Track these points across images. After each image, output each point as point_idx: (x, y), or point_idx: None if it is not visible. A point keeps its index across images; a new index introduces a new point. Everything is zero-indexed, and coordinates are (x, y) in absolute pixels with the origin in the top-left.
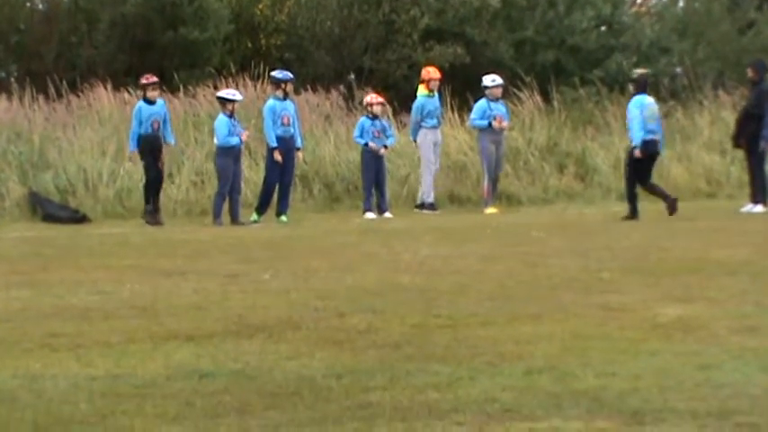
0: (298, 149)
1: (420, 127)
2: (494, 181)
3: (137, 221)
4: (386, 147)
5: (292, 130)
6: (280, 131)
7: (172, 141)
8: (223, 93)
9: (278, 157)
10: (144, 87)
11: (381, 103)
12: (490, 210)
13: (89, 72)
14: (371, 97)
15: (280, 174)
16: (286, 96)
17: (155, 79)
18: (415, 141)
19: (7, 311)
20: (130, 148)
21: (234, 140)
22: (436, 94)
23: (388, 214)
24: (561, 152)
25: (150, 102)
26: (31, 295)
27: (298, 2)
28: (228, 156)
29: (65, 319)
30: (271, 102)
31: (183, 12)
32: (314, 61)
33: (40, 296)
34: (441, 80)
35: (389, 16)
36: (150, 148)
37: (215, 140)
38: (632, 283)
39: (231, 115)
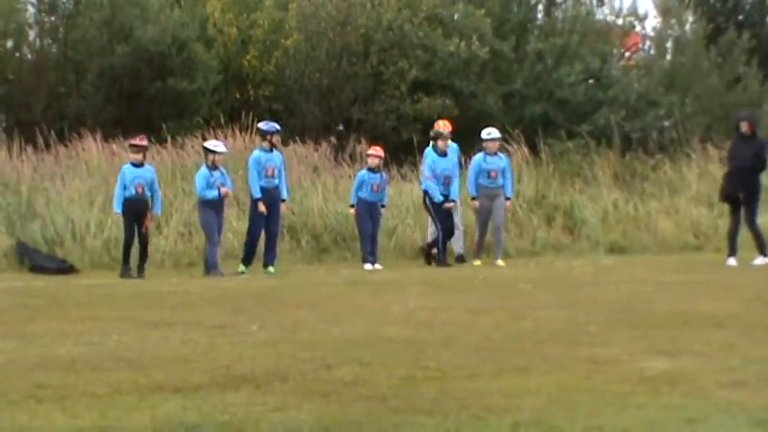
0: (283, 200)
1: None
2: (484, 234)
3: None
4: (383, 206)
5: (277, 182)
6: (264, 182)
7: (158, 211)
8: (208, 143)
9: (261, 208)
10: (134, 148)
11: (380, 157)
12: (477, 262)
13: (77, 122)
14: (377, 150)
15: (263, 224)
16: (272, 148)
17: (144, 143)
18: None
19: None
20: (115, 209)
21: (212, 193)
22: (431, 151)
23: (377, 266)
24: (549, 204)
25: (136, 165)
26: (17, 346)
27: (286, 53)
28: (210, 208)
29: (51, 370)
30: (256, 153)
31: (172, 62)
32: (302, 112)
33: (26, 347)
34: (432, 140)
35: (378, 68)
36: (133, 211)
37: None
38: (619, 335)
39: (214, 167)
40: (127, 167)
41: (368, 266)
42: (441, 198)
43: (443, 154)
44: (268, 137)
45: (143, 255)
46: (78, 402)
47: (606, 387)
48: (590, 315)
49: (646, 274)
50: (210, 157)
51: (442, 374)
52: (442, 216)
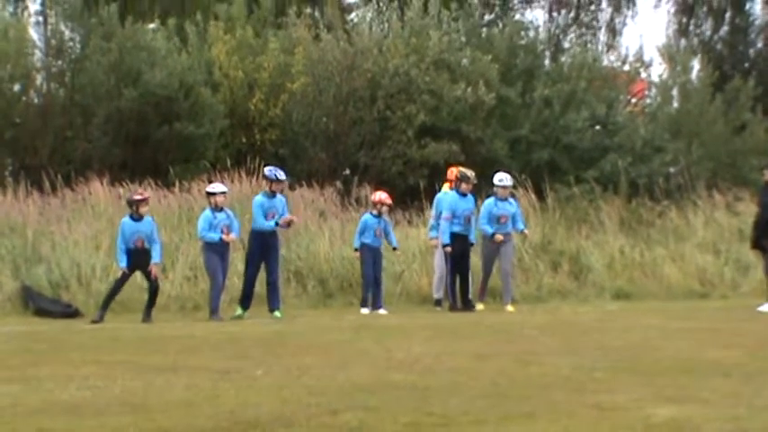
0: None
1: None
2: (488, 279)
3: (129, 317)
4: (395, 248)
5: (275, 226)
6: (262, 225)
7: (158, 260)
8: (208, 187)
9: (229, 238)
10: (135, 203)
11: (390, 205)
12: (480, 306)
13: (84, 166)
14: (384, 196)
15: (257, 268)
16: (273, 194)
17: (146, 196)
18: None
19: None
20: (120, 264)
21: (213, 236)
22: (452, 192)
23: (382, 311)
24: (555, 250)
25: (136, 218)
26: (20, 390)
27: (292, 97)
28: (213, 251)
29: (55, 414)
30: (259, 197)
31: (179, 107)
32: (309, 157)
33: (29, 391)
34: (456, 181)
35: (384, 113)
36: (134, 265)
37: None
38: (625, 382)
39: (218, 209)
40: (126, 222)
41: (364, 310)
42: (449, 240)
43: (464, 195)
44: (271, 184)
45: (152, 300)
46: None
47: None
48: (596, 361)
49: (652, 320)
50: (212, 199)
51: (447, 420)
52: (453, 260)
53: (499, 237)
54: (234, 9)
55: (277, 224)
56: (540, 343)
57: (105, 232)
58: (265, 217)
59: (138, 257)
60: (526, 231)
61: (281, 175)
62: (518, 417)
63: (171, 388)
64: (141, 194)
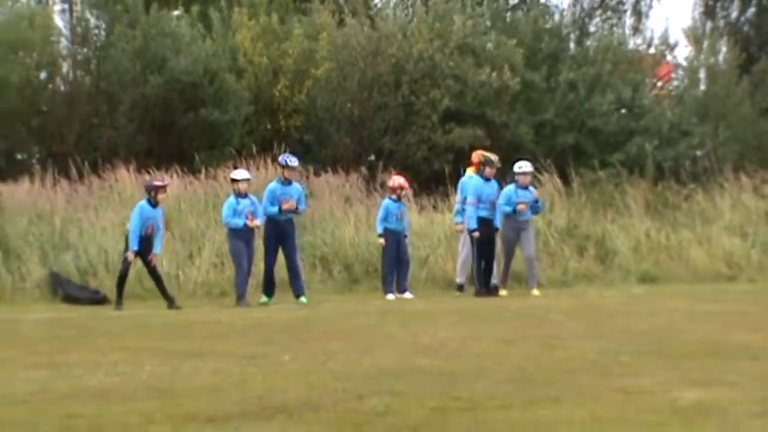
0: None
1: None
2: (510, 265)
3: (156, 303)
4: (405, 236)
5: (290, 214)
6: (276, 213)
7: (158, 251)
8: (232, 173)
9: (253, 224)
10: (155, 189)
11: (407, 188)
12: (503, 292)
13: (110, 153)
14: (402, 180)
15: (273, 255)
16: (288, 182)
17: (167, 183)
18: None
19: (25, 393)
20: (133, 246)
21: (237, 222)
22: (477, 177)
23: (408, 294)
24: (581, 234)
25: (153, 204)
26: (49, 376)
27: (317, 83)
28: (238, 237)
29: (83, 400)
30: (272, 184)
31: (204, 93)
32: (333, 143)
33: (58, 377)
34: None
35: (409, 98)
36: (141, 250)
37: None
38: (651, 366)
39: (242, 195)
40: (144, 207)
41: (390, 296)
42: (476, 226)
43: (488, 180)
44: (283, 171)
45: (161, 285)
46: None
47: (639, 418)
48: (622, 345)
49: (678, 304)
50: (235, 186)
51: (473, 405)
52: (480, 244)
53: (522, 206)
54: None
55: (280, 210)
56: (565, 327)
57: None
58: (278, 204)
59: (145, 244)
60: (522, 207)
61: (292, 160)
62: (544, 401)
63: (198, 373)
64: (162, 181)
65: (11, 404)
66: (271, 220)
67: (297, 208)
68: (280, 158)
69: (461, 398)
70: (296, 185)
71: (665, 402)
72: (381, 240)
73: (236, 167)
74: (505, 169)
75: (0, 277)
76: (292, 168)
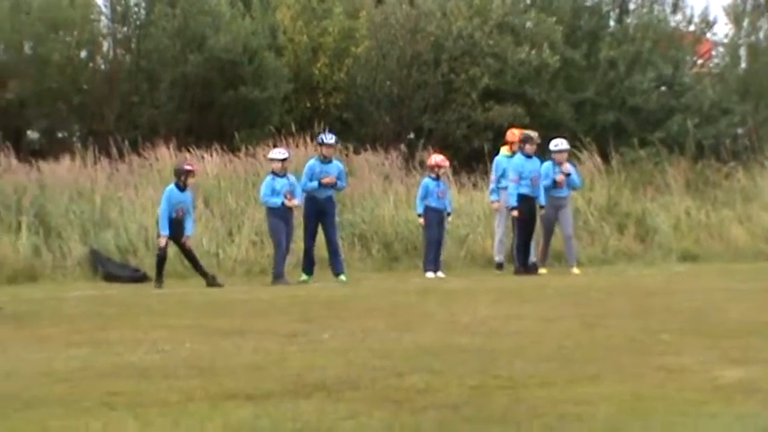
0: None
1: (498, 187)
2: (549, 243)
3: (197, 281)
4: (449, 214)
5: (331, 192)
6: (314, 191)
7: (190, 233)
8: (270, 153)
9: (291, 203)
10: (184, 173)
11: (447, 166)
12: (542, 270)
13: (150, 131)
14: (440, 158)
15: (312, 233)
16: (328, 160)
17: (196, 167)
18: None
19: (67, 370)
20: (163, 231)
21: (275, 201)
22: (518, 154)
23: (440, 274)
24: (621, 212)
25: (181, 188)
26: (90, 354)
27: (356, 61)
28: (276, 216)
29: (124, 377)
30: (311, 161)
31: (243, 71)
32: (373, 121)
33: (99, 355)
34: (520, 143)
35: (448, 76)
36: (174, 233)
37: None
38: (692, 344)
39: (281, 175)
40: (173, 191)
41: (430, 275)
42: (516, 203)
43: (529, 157)
44: (321, 148)
45: (196, 263)
46: (151, 410)
47: (679, 396)
48: (662, 323)
49: (718, 282)
50: (274, 165)
51: (513, 383)
52: (521, 222)
53: (561, 176)
54: None
55: (320, 185)
56: (606, 305)
57: None
58: (318, 181)
59: (177, 227)
60: (561, 178)
61: (329, 138)
62: (584, 379)
63: (238, 351)
64: (191, 165)
65: (53, 382)
66: (311, 199)
67: (336, 184)
68: (318, 137)
69: (501, 376)
70: (336, 163)
71: (705, 380)
72: (421, 220)
73: (275, 146)
74: (545, 147)
75: (41, 255)
76: (329, 146)
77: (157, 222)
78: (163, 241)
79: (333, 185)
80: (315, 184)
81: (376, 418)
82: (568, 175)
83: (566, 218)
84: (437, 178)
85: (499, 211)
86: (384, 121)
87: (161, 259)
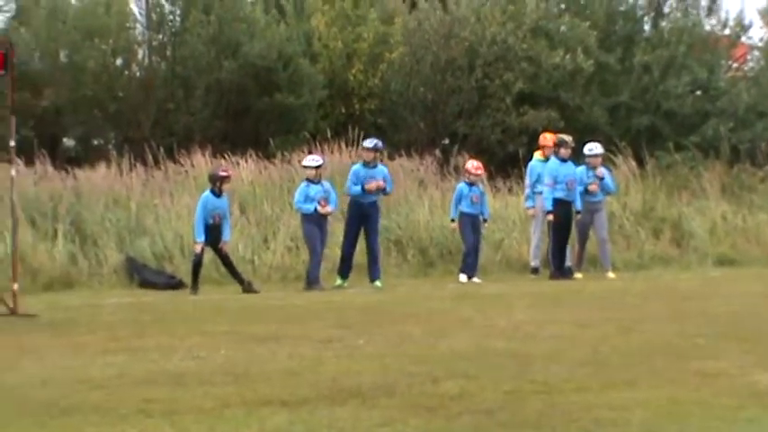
0: (386, 193)
1: (533, 192)
2: (584, 247)
3: (233, 288)
4: (485, 220)
5: (374, 198)
6: (360, 196)
7: (227, 239)
8: (304, 160)
9: (372, 185)
10: (220, 179)
11: (481, 174)
12: (578, 275)
13: (186, 138)
14: (472, 164)
15: (353, 237)
16: (373, 164)
17: (231, 173)
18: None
19: (103, 377)
20: (198, 238)
21: (308, 207)
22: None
23: (476, 279)
24: (656, 217)
25: (217, 194)
26: (126, 361)
27: (391, 66)
28: (311, 222)
29: (159, 384)
30: (357, 166)
31: (278, 77)
32: (408, 126)
33: (135, 362)
34: (555, 147)
35: (482, 81)
36: (211, 238)
37: None
38: (728, 349)
39: (315, 181)
40: (208, 197)
41: (463, 278)
42: (551, 207)
43: (564, 161)
44: (371, 153)
45: (232, 269)
46: (186, 417)
47: (716, 401)
48: (698, 328)
49: (755, 286)
50: (307, 172)
51: (548, 388)
52: (557, 226)
53: (594, 185)
54: None
55: (364, 190)
56: (642, 310)
57: None
58: (361, 185)
59: (213, 233)
60: (594, 187)
61: (367, 142)
62: (620, 384)
63: (273, 357)
64: (226, 171)
65: (89, 389)
66: (355, 203)
67: (385, 189)
68: (365, 142)
69: (536, 381)
70: (381, 168)
71: (742, 385)
72: (453, 225)
73: (310, 152)
74: (580, 152)
75: (77, 263)
76: (366, 149)
77: (194, 229)
78: (198, 248)
79: (381, 190)
80: (358, 188)
81: (411, 425)
82: (602, 179)
83: (600, 222)
84: (472, 184)
85: (535, 217)
86: (418, 127)
87: (196, 265)
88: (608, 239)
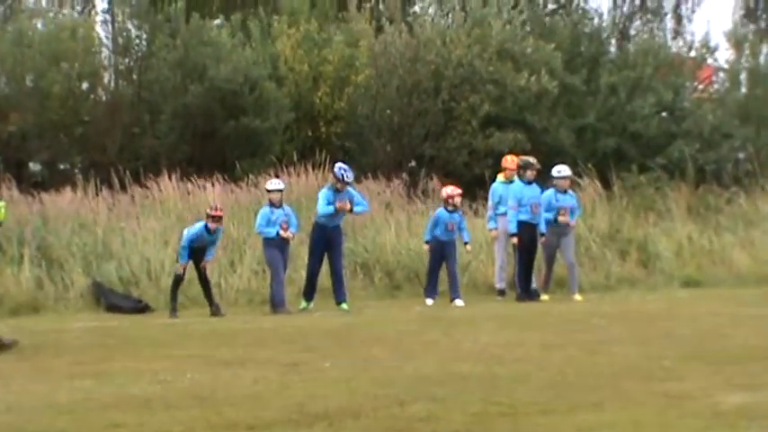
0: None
1: (495, 214)
2: (551, 269)
3: (198, 311)
4: (466, 243)
5: (339, 222)
6: (326, 220)
7: (210, 258)
8: (267, 184)
9: (340, 204)
10: (211, 218)
11: (461, 195)
12: (544, 297)
13: (152, 162)
14: (450, 190)
15: (318, 260)
16: (343, 190)
17: (221, 214)
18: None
19: (70, 402)
20: (182, 260)
21: (270, 232)
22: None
23: (459, 302)
24: (623, 239)
25: (210, 232)
26: (93, 385)
27: (357, 90)
28: (273, 246)
29: (126, 409)
30: (324, 191)
31: (244, 101)
32: (374, 149)
33: (101, 386)
34: (516, 170)
35: (448, 104)
36: (193, 256)
37: None
38: (694, 370)
39: (277, 205)
40: (203, 232)
41: (429, 302)
42: (515, 230)
43: (529, 183)
44: (338, 183)
45: (208, 291)
46: None
47: (681, 422)
48: (664, 350)
49: (721, 308)
50: (271, 196)
51: (515, 410)
52: (522, 248)
53: (564, 218)
54: (296, 2)
55: (336, 210)
56: (608, 332)
57: (174, 228)
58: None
59: (196, 254)
60: (572, 223)
61: (349, 177)
62: (586, 406)
63: (239, 381)
64: (219, 212)
65: (55, 413)
66: (320, 226)
67: (351, 209)
68: (335, 170)
69: (503, 403)
70: (350, 190)
71: (707, 407)
72: (426, 247)
73: (277, 175)
74: (546, 174)
75: (44, 287)
76: (337, 179)
77: (177, 253)
78: (181, 268)
79: (348, 210)
80: (331, 208)
81: None
82: (567, 222)
83: (568, 245)
84: (453, 210)
85: (498, 239)
86: (385, 150)
87: (176, 284)
88: (575, 263)
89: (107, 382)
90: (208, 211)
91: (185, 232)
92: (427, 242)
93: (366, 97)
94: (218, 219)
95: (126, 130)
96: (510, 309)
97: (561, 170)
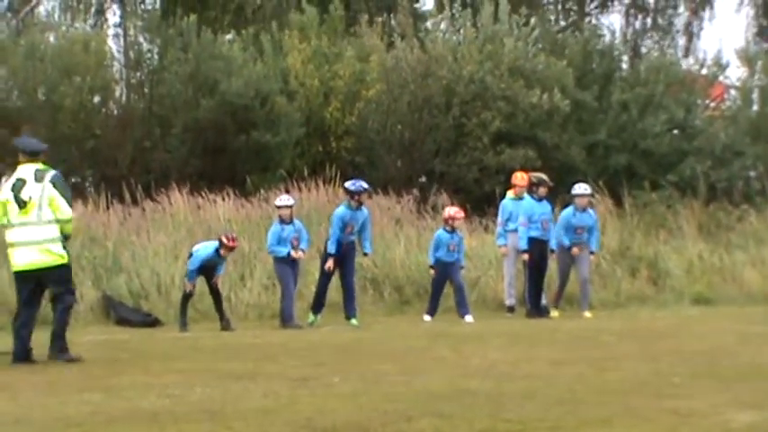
0: (366, 254)
1: (505, 231)
2: (564, 286)
3: (208, 325)
4: (461, 267)
5: (353, 238)
6: (341, 238)
7: (221, 273)
8: (276, 200)
9: (329, 264)
10: (226, 247)
11: (462, 218)
12: (555, 313)
13: (163, 176)
14: (453, 211)
15: (330, 278)
16: (359, 207)
17: (237, 245)
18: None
19: (78, 415)
20: (190, 279)
21: (281, 251)
22: (527, 197)
23: (469, 318)
24: (633, 256)
25: (222, 255)
26: (102, 399)
27: (368, 105)
28: (283, 261)
29: (135, 423)
30: (341, 209)
31: (255, 116)
32: (385, 165)
33: (110, 400)
34: (528, 186)
35: (459, 120)
36: (204, 276)
37: None
38: (703, 388)
39: (287, 222)
40: (213, 255)
41: (427, 318)
42: (526, 246)
43: (540, 200)
44: (356, 197)
45: (219, 305)
46: None
47: None
48: (674, 367)
49: (731, 325)
50: (281, 212)
51: (523, 427)
52: (532, 265)
53: (576, 250)
54: (306, 18)
55: (288, 255)
56: (617, 349)
57: (184, 242)
58: (344, 230)
59: (207, 271)
60: (593, 257)
61: (364, 185)
62: (595, 422)
63: (249, 395)
64: (235, 243)
65: (65, 427)
66: (338, 246)
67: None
68: (349, 185)
69: (511, 420)
70: (364, 210)
71: (717, 424)
72: (432, 272)
73: (287, 190)
74: (558, 191)
75: None
76: (366, 192)
77: (186, 271)
78: (189, 286)
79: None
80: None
81: None
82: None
83: (583, 261)
84: (452, 231)
85: (507, 255)
86: (395, 165)
87: (186, 299)
88: (589, 279)
89: (116, 395)
90: (223, 239)
91: (194, 251)
92: (432, 266)
93: (377, 112)
94: (232, 249)
95: (137, 143)
96: (519, 325)
97: (582, 188)
